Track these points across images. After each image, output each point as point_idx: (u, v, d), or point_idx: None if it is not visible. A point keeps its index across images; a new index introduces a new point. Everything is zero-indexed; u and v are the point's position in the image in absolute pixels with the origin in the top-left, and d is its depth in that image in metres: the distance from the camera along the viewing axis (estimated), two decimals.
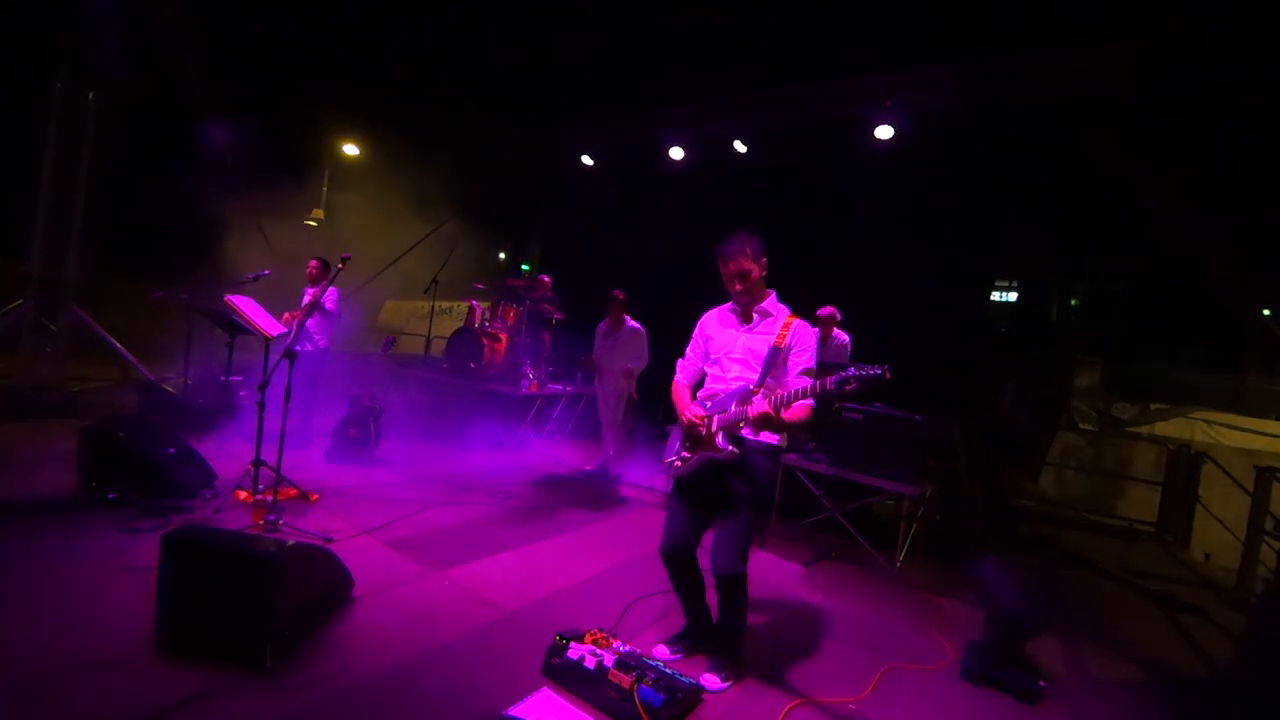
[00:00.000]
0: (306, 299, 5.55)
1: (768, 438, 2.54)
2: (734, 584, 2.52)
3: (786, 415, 2.34)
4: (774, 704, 2.44)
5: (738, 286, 2.55)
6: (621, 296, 5.80)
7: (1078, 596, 4.25)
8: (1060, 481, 9.66)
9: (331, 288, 5.46)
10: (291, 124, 10.51)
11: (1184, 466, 6.11)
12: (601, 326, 5.94)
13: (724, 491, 2.52)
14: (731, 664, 2.61)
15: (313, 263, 5.72)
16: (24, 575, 2.69)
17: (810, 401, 2.38)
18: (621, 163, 8.54)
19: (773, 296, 2.63)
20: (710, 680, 2.51)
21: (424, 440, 6.52)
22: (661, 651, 2.73)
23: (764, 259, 2.56)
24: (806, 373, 2.43)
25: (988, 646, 2.84)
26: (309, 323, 5.32)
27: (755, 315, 2.59)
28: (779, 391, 2.34)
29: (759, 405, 2.32)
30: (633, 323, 5.79)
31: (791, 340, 2.48)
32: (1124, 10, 5.20)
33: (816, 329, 2.56)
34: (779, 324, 2.53)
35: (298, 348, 5.15)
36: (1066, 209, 6.36)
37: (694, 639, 2.78)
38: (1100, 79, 5.31)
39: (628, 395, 5.86)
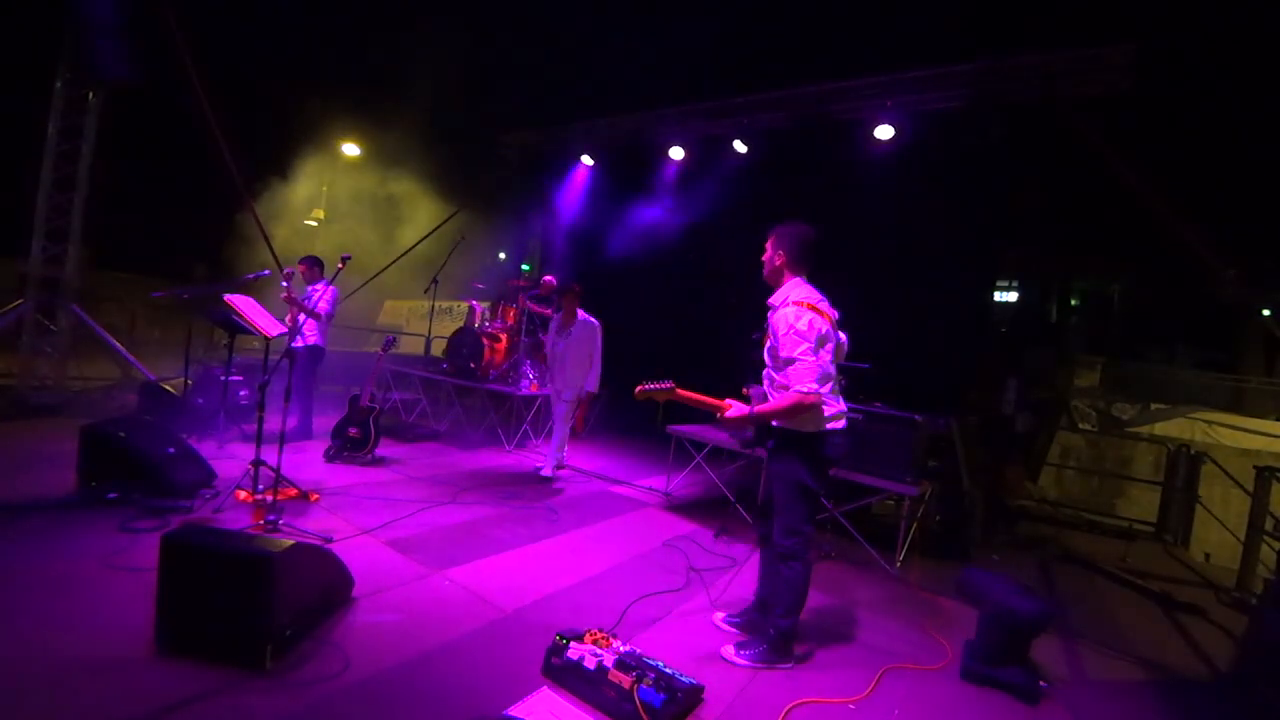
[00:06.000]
0: (309, 300, 5.54)
1: (782, 425, 2.68)
2: (780, 557, 2.71)
3: (756, 411, 2.60)
4: (774, 704, 2.44)
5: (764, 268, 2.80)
6: (577, 289, 5.61)
7: (1078, 596, 4.24)
8: (1060, 481, 9.68)
9: (332, 288, 5.47)
10: (292, 124, 10.52)
11: (1184, 466, 6.10)
12: (554, 321, 5.73)
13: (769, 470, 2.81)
14: (759, 644, 2.71)
15: (300, 266, 5.68)
16: (23, 575, 2.69)
17: (791, 395, 2.49)
18: (621, 162, 8.54)
19: (783, 286, 2.72)
20: (727, 650, 2.69)
21: (424, 440, 6.53)
22: (719, 618, 3.03)
23: (783, 250, 2.70)
24: (786, 362, 2.54)
25: (985, 644, 2.84)
26: (304, 323, 5.32)
27: (771, 307, 2.71)
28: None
29: (735, 410, 2.63)
30: (585, 315, 5.58)
31: (772, 332, 2.61)
32: (1125, 11, 5.20)
33: (794, 312, 2.56)
34: (773, 317, 2.64)
35: (293, 344, 5.17)
36: (1067, 209, 6.36)
37: (750, 616, 2.97)
38: (1101, 79, 5.30)
39: (583, 400, 5.72)
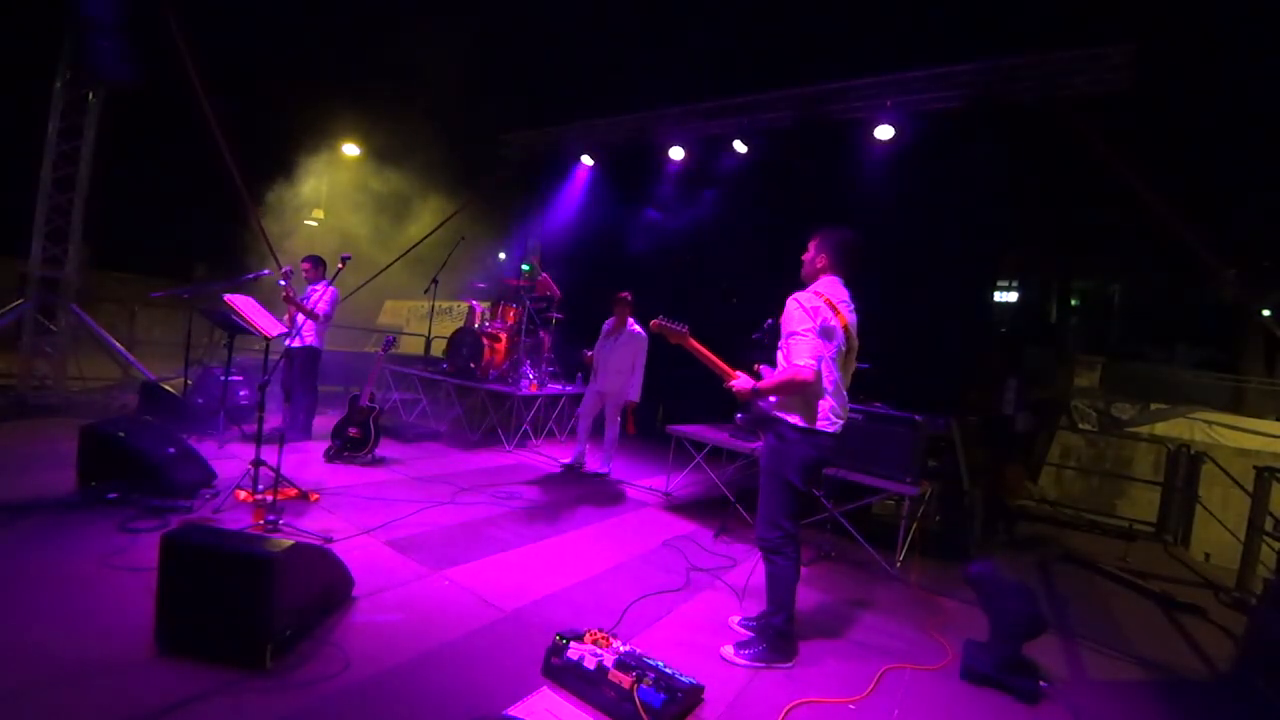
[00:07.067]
0: (309, 300, 5.54)
1: (775, 411, 2.68)
2: (763, 551, 2.76)
3: (758, 385, 2.66)
4: (774, 704, 2.44)
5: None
6: (628, 298, 5.76)
7: (1078, 596, 4.24)
8: (1060, 481, 9.68)
9: (332, 289, 5.47)
10: (293, 124, 10.52)
11: (1184, 466, 6.10)
12: (606, 326, 5.89)
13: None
14: (759, 644, 2.72)
15: (303, 265, 5.70)
16: (23, 575, 2.69)
17: (786, 369, 2.55)
18: (621, 162, 8.54)
19: (815, 282, 2.75)
20: (727, 650, 2.72)
21: (424, 440, 6.53)
22: (734, 620, 3.05)
23: (825, 253, 2.75)
24: (788, 338, 2.61)
25: (993, 647, 2.84)
26: (304, 323, 5.33)
27: None
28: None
29: (741, 382, 2.68)
30: (635, 326, 5.71)
31: (784, 317, 2.64)
32: (1124, 11, 5.20)
33: (807, 298, 2.64)
34: (787, 303, 2.67)
35: (291, 343, 5.17)
36: (1067, 209, 6.35)
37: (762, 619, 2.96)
38: (1101, 79, 5.30)
39: (625, 407, 5.79)
